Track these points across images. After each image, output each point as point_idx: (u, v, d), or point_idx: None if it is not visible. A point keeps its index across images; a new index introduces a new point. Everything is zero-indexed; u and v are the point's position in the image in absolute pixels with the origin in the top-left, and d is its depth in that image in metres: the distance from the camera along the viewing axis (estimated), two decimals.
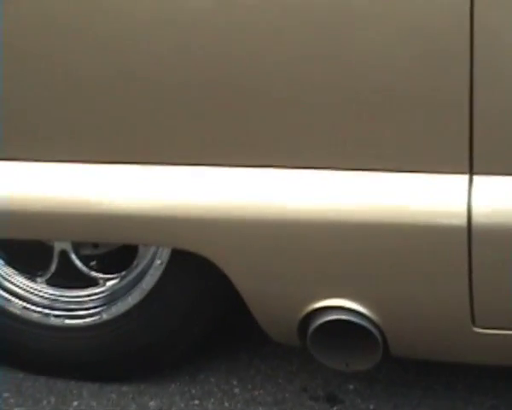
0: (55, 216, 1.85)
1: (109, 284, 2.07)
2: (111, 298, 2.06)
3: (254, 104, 1.69)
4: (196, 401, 2.05)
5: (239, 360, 2.18)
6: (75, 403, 2.06)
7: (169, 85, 1.72)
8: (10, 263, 2.11)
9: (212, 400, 2.05)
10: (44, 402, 2.07)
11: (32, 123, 1.80)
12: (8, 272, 2.12)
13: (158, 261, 1.95)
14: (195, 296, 2.01)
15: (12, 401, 2.08)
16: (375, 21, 1.60)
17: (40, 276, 2.10)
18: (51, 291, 2.12)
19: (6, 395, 2.10)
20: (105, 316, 2.05)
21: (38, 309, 2.10)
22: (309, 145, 1.70)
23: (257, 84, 1.67)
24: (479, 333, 1.76)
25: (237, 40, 1.67)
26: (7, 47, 1.73)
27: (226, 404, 2.04)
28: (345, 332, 1.80)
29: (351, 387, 2.08)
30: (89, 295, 2.10)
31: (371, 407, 2.03)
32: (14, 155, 1.83)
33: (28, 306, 2.10)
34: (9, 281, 2.12)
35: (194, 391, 2.08)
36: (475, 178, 1.65)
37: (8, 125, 1.79)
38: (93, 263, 2.09)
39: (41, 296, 2.12)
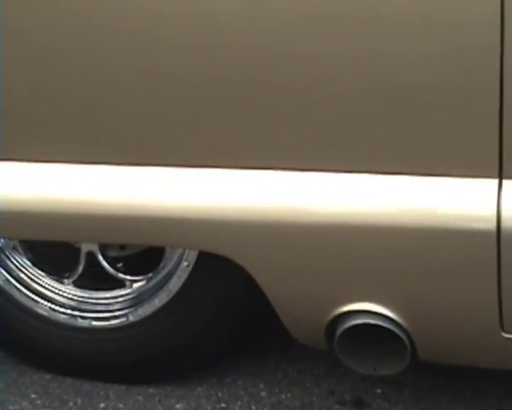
0: (82, 217, 1.86)
1: (136, 285, 2.10)
2: (137, 300, 2.09)
3: (277, 107, 1.69)
4: (223, 405, 2.06)
5: (266, 363, 2.18)
6: (102, 405, 2.08)
7: (200, 90, 1.71)
8: (38, 265, 2.14)
9: (239, 403, 2.07)
10: (71, 404, 2.09)
11: (64, 125, 1.81)
12: (36, 273, 2.14)
13: (185, 263, 1.97)
14: (222, 299, 2.03)
15: (39, 402, 2.10)
16: (399, 19, 1.61)
17: (67, 277, 2.13)
18: (78, 293, 2.14)
19: (33, 396, 2.11)
20: (131, 318, 2.08)
21: (65, 311, 2.13)
22: (337, 148, 1.70)
23: (284, 88, 1.66)
24: (508, 339, 1.75)
25: (261, 42, 1.67)
26: (34, 45, 1.74)
27: (253, 407, 2.05)
28: (372, 336, 1.81)
29: (378, 391, 2.09)
30: (115, 297, 2.13)
31: None
32: (39, 157, 1.84)
33: (55, 307, 2.13)
34: (37, 282, 2.14)
35: (220, 394, 2.09)
36: (505, 182, 1.65)
37: (44, 126, 1.81)
38: (120, 265, 2.12)
39: (68, 298, 2.14)
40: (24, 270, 2.15)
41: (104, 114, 1.80)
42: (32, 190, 1.90)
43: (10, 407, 2.11)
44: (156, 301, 2.04)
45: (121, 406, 2.08)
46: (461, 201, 1.69)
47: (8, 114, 1.86)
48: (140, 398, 2.10)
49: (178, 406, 2.08)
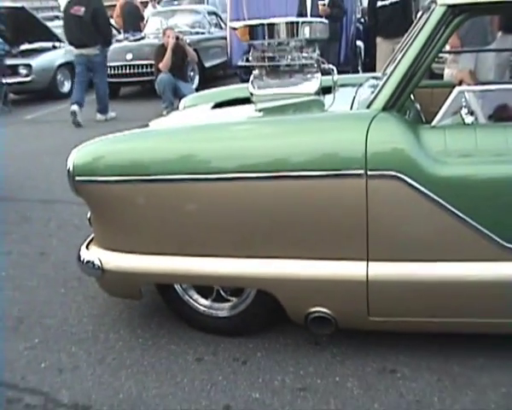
0: (218, 279, 2.17)
1: (234, 300, 2.33)
2: (234, 306, 2.33)
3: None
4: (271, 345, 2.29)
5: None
6: (222, 346, 2.30)
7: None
8: (198, 292, 2.38)
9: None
10: (220, 346, 2.30)
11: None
12: (197, 296, 2.39)
13: (252, 292, 2.24)
14: (266, 306, 2.24)
15: (203, 349, 2.29)
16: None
17: (209, 297, 2.38)
18: (213, 303, 2.38)
19: (199, 349, 2.30)
20: (233, 312, 2.33)
21: (209, 310, 2.39)
22: (305, 248, 1.99)
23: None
24: (372, 320, 2.05)
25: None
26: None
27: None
28: (322, 319, 2.09)
29: (324, 339, 2.31)
30: (226, 305, 2.36)
31: (334, 350, 2.25)
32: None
33: (204, 309, 2.38)
34: (197, 299, 2.40)
35: (267, 344, 2.28)
36: (370, 263, 1.96)
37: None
38: (228, 292, 2.35)
39: (209, 305, 2.37)
40: (194, 294, 2.39)
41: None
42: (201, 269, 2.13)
43: (188, 353, 2.31)
44: (242, 306, 2.30)
45: (231, 347, 2.29)
46: (352, 268, 1.98)
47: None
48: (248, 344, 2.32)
49: (251, 346, 2.29)
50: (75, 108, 7.14)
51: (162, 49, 7.36)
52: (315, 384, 2.08)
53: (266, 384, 2.09)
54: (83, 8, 6.91)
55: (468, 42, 4.33)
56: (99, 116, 7.56)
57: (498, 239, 1.84)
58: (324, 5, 6.43)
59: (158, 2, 11.89)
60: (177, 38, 7.34)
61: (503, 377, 2.01)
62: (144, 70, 8.57)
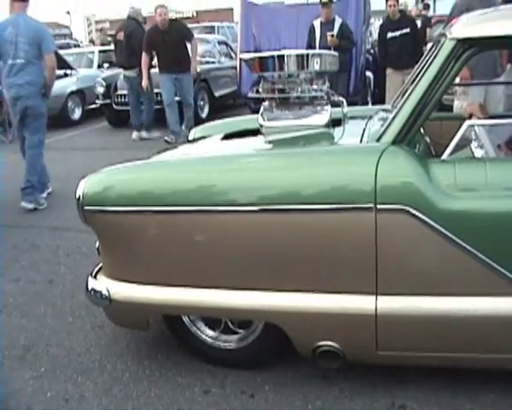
0: (225, 311, 2.17)
1: (242, 332, 2.32)
2: (243, 338, 2.33)
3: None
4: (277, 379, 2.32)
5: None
6: (229, 378, 2.29)
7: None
8: (205, 324, 2.38)
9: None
10: (220, 377, 2.31)
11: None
12: (204, 327, 2.39)
13: (260, 325, 2.24)
14: (274, 338, 2.23)
15: (207, 378, 2.30)
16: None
17: (217, 329, 2.37)
18: (221, 335, 2.37)
19: (204, 377, 2.31)
20: (241, 345, 2.32)
21: (216, 342, 2.37)
22: (319, 282, 1.98)
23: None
24: (380, 354, 2.04)
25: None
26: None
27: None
28: (330, 353, 2.07)
29: (332, 372, 2.28)
30: (234, 337, 2.36)
31: (342, 384, 2.24)
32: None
33: (211, 340, 2.37)
34: (204, 330, 2.39)
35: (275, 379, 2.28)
36: (379, 297, 1.95)
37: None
38: (236, 324, 2.33)
39: (217, 337, 2.35)
40: (201, 326, 2.38)
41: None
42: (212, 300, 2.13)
43: (195, 385, 2.31)
44: (249, 338, 2.30)
45: (240, 380, 2.28)
46: (362, 302, 1.96)
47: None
48: (246, 373, 2.32)
49: (259, 379, 2.29)
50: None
51: (155, 29, 7.34)
52: None
53: None
54: (122, 33, 7.71)
55: (477, 74, 4.36)
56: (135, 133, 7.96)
57: (508, 274, 1.84)
58: (333, 36, 6.46)
59: None
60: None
61: None
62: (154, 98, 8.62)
